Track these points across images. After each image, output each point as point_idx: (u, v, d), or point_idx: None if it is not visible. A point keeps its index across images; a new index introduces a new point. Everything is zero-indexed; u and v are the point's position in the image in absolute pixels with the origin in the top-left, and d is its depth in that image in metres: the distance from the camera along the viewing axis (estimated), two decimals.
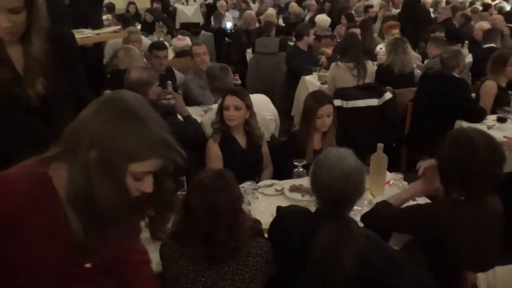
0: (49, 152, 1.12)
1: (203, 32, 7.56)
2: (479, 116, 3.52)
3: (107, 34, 3.19)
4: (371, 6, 8.20)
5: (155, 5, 9.84)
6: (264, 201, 2.33)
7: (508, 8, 9.60)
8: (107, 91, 3.44)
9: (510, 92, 3.82)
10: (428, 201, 2.15)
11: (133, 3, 9.08)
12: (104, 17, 8.07)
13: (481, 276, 1.63)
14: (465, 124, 3.37)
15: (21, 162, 1.16)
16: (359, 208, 2.21)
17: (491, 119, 3.50)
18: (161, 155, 1.08)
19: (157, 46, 4.00)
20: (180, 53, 5.02)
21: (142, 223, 2.01)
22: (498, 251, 1.81)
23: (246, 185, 2.34)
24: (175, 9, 11.22)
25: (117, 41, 4.71)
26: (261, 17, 7.48)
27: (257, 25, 6.98)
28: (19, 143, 1.60)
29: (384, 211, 1.91)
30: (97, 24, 3.85)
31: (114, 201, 1.05)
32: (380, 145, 2.35)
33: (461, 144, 1.71)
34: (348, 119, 3.72)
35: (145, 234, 1.97)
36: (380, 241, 1.58)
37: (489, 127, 3.36)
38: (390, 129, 3.85)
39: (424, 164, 1.92)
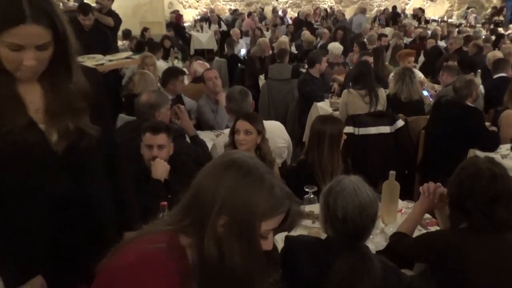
0: (172, 222, 1.08)
1: (216, 58, 7.70)
2: (493, 145, 3.48)
3: (120, 60, 3.25)
4: (385, 35, 8.28)
5: (168, 32, 10.06)
6: None
7: None
8: (122, 115, 3.50)
9: None
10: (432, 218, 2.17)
11: (148, 29, 9.28)
12: (120, 43, 8.29)
13: None
14: (478, 153, 3.33)
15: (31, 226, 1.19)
16: (371, 236, 2.18)
17: (505, 148, 3.46)
18: (287, 208, 1.07)
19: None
20: (197, 79, 5.08)
21: None
22: None
23: None
24: (190, 36, 11.46)
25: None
26: (274, 44, 7.59)
27: (270, 52, 7.08)
28: (36, 203, 1.30)
29: (398, 247, 1.89)
30: (115, 50, 3.94)
31: (249, 264, 1.01)
32: (393, 173, 2.33)
33: (467, 172, 1.74)
34: (360, 146, 3.71)
35: None
36: (396, 270, 1.55)
37: (503, 156, 3.33)
38: (402, 157, 3.83)
39: (424, 186, 1.97)
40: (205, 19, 12.86)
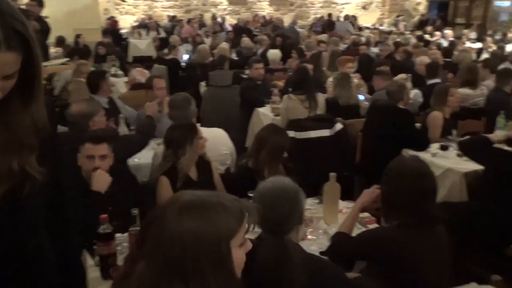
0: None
1: (155, 65, 7.57)
2: (424, 145, 3.70)
3: (55, 66, 3.14)
4: (323, 42, 8.55)
5: (105, 38, 9.77)
6: None
7: (445, 44, 10.29)
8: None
9: (452, 121, 4.06)
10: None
11: (81, 35, 8.95)
12: (53, 50, 7.94)
13: None
14: (411, 153, 3.53)
15: None
16: (314, 237, 2.24)
17: (434, 147, 3.68)
18: (245, 214, 1.12)
19: None
20: (136, 86, 4.97)
21: (92, 262, 1.94)
22: (447, 274, 1.88)
23: None
24: (127, 43, 11.20)
25: (69, 72, 4.64)
26: (214, 51, 7.60)
27: (211, 58, 7.08)
28: None
29: (340, 246, 1.96)
30: (46, 57, 3.77)
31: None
32: (333, 175, 2.41)
33: (394, 172, 1.84)
34: (302, 150, 3.79)
35: (94, 274, 1.90)
36: (335, 268, 1.60)
37: (433, 155, 3.54)
38: (342, 159, 3.96)
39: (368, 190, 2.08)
40: (143, 25, 12.62)
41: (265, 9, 16.22)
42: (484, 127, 4.38)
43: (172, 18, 13.96)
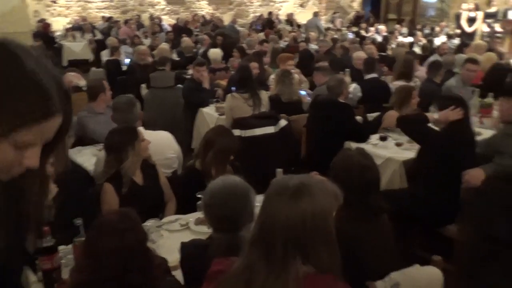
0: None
1: (93, 69, 7.30)
2: (364, 137, 3.84)
3: None
4: (266, 41, 8.64)
5: (36, 42, 9.27)
6: (170, 238, 2.27)
7: (379, 39, 10.75)
8: None
9: None
10: None
11: None
12: None
13: (379, 284, 1.75)
14: (353, 145, 3.65)
15: None
16: None
17: (374, 138, 3.84)
18: None
19: None
20: (74, 90, 4.76)
21: (35, 278, 1.85)
22: (393, 260, 1.97)
23: (149, 223, 2.27)
24: (61, 46, 10.70)
25: None
26: (154, 52, 7.45)
27: (151, 60, 6.93)
28: None
29: None
30: None
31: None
32: (279, 171, 2.45)
33: (340, 166, 1.91)
34: (248, 148, 3.82)
35: None
36: None
37: (374, 146, 3.69)
38: (288, 154, 4.03)
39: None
40: (78, 28, 12.11)
41: (204, 9, 16.12)
42: None
43: (108, 19, 13.51)
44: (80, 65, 8.86)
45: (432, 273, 1.82)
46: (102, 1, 14.68)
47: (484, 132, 3.89)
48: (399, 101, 3.90)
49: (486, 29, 11.78)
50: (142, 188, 2.56)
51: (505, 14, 11.39)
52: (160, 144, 2.97)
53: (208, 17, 15.01)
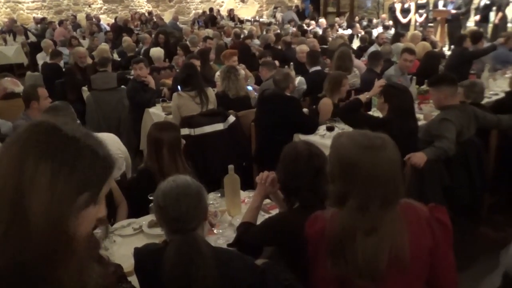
0: None
1: (29, 73, 6.93)
2: (311, 128, 3.93)
3: None
4: (210, 38, 8.57)
5: None
6: (123, 243, 2.21)
7: (320, 32, 10.99)
8: None
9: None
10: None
11: None
12: None
13: None
14: (302, 137, 3.72)
15: None
16: (220, 231, 2.26)
17: (322, 129, 3.93)
18: None
19: None
20: (8, 96, 4.48)
21: None
22: None
23: (100, 230, 2.19)
24: None
25: None
26: (94, 53, 7.18)
27: (91, 61, 6.68)
28: None
29: (246, 236, 1.99)
30: None
31: None
32: (231, 167, 2.45)
33: (288, 157, 1.95)
34: (198, 146, 3.79)
35: None
36: (243, 258, 1.64)
37: (321, 137, 3.78)
38: (238, 150, 4.04)
39: (259, 175, 2.14)
40: (8, 30, 11.44)
41: (143, 6, 15.75)
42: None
43: (42, 20, 12.86)
44: (14, 70, 8.41)
45: None
46: (33, 1, 13.95)
47: (422, 117, 4.09)
48: (330, 89, 4.16)
49: (419, 19, 12.37)
50: None
51: (435, 4, 12.01)
52: None
53: (148, 15, 14.67)
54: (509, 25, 11.20)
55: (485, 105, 4.16)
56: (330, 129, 3.87)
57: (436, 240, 1.50)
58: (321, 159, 1.96)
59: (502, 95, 4.59)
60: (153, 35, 9.29)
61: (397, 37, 7.97)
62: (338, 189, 1.47)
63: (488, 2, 11.21)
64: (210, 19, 14.12)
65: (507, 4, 11.14)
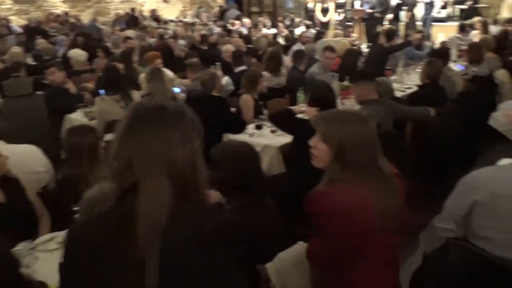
0: None
1: None
2: (240, 128, 3.95)
3: None
4: (130, 38, 8.28)
5: None
6: (47, 258, 2.08)
7: (245, 32, 11.09)
8: None
9: (261, 102, 4.44)
10: None
11: None
12: None
13: (268, 266, 1.83)
14: (231, 136, 3.73)
15: None
16: None
17: (250, 127, 3.97)
18: None
19: None
20: None
21: None
22: (281, 241, 2.07)
23: (20, 247, 2.05)
24: None
25: None
26: (5, 57, 6.67)
27: (1, 66, 6.20)
28: None
29: None
30: None
31: None
32: None
33: (219, 157, 1.95)
34: None
35: None
36: None
37: (250, 135, 3.82)
38: None
39: None
40: None
41: (59, 7, 14.88)
42: (289, 103, 4.90)
43: None
44: None
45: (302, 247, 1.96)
46: None
47: None
48: (247, 86, 4.26)
49: (337, 18, 12.92)
50: (5, 206, 2.29)
51: (352, 4, 12.61)
52: (25, 158, 2.69)
53: (64, 15, 13.89)
54: (418, 23, 12.07)
55: (400, 98, 4.44)
56: (259, 127, 3.92)
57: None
58: (252, 157, 1.98)
59: (415, 88, 4.92)
60: (71, 37, 8.82)
61: (319, 36, 8.27)
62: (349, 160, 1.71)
63: (399, 2, 11.99)
64: (131, 19, 13.68)
65: (414, 5, 11.98)
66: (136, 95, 4.25)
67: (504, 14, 11.94)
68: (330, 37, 8.16)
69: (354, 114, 1.85)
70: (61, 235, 2.26)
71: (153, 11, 15.25)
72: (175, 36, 9.17)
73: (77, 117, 4.61)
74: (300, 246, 1.96)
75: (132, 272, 0.97)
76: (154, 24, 13.25)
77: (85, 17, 14.03)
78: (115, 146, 1.05)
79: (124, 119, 1.07)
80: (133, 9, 14.92)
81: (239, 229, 1.87)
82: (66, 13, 14.24)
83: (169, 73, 5.76)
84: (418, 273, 1.80)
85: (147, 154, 1.01)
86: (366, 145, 1.72)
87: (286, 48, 8.19)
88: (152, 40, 9.39)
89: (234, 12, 14.71)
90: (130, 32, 10.06)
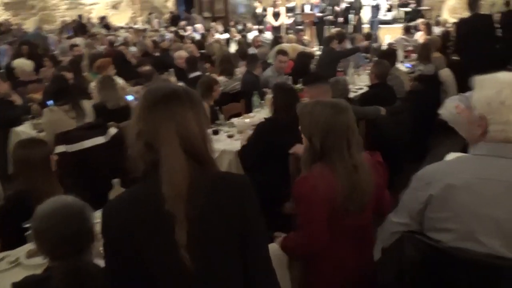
0: None
1: None
2: None
3: None
4: (77, 45, 8.03)
5: None
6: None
7: (198, 37, 11.04)
8: None
9: (217, 108, 4.42)
10: None
11: None
12: None
13: None
14: None
15: None
16: None
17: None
18: None
19: None
20: None
21: None
22: None
23: None
24: None
25: None
26: None
27: None
28: None
29: None
30: None
31: None
32: (116, 181, 2.34)
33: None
34: (78, 163, 3.53)
35: None
36: None
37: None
38: (124, 163, 3.86)
39: None
40: None
41: (0, 15, 14.21)
42: (244, 108, 4.92)
43: None
44: None
45: (275, 249, 1.98)
46: None
47: None
48: (203, 93, 4.20)
49: (287, 22, 13.13)
50: None
51: (302, 8, 12.86)
52: None
53: (7, 23, 13.27)
54: (365, 26, 12.48)
55: (352, 99, 4.57)
56: (215, 132, 3.91)
57: (379, 176, 1.96)
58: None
59: (366, 89, 5.08)
60: (14, 46, 8.45)
61: (276, 41, 8.40)
62: (318, 147, 1.87)
63: (347, 5, 12.37)
64: (79, 27, 13.28)
65: (360, 8, 12.39)
66: (87, 104, 4.12)
67: (445, 15, 12.58)
68: (284, 42, 8.27)
69: (322, 103, 1.97)
70: (12, 254, 2.15)
71: (102, 18, 14.88)
72: (126, 43, 8.99)
73: (24, 129, 4.41)
74: (273, 247, 1.97)
75: (165, 236, 1.13)
76: (103, 31, 12.94)
77: (30, 25, 13.48)
78: (135, 129, 1.20)
79: (139, 104, 1.23)
80: (80, 16, 14.50)
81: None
82: (8, 21, 13.61)
83: (120, 81, 5.63)
84: (377, 266, 1.85)
85: (166, 132, 1.16)
86: (333, 133, 1.85)
87: (240, 53, 8.23)
88: (102, 48, 9.15)
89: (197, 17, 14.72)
90: (78, 40, 9.77)
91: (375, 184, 1.90)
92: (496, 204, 1.46)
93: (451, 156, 2.33)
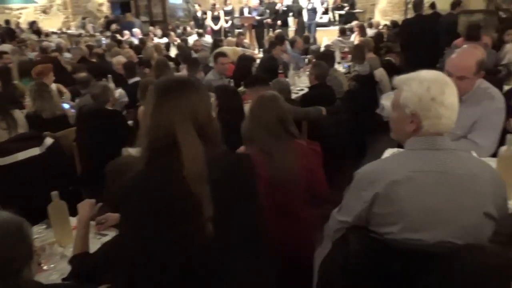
0: None
1: None
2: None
3: None
4: (6, 52, 7.55)
5: None
6: None
7: (136, 42, 10.78)
8: None
9: None
10: None
11: None
12: None
13: None
14: (131, 150, 3.59)
15: None
16: (52, 265, 2.05)
17: None
18: None
19: None
20: None
21: None
22: None
23: None
24: None
25: None
26: None
27: None
28: None
29: (85, 267, 1.81)
30: None
31: None
32: (55, 193, 2.22)
33: (114, 174, 1.89)
34: (12, 177, 3.33)
35: None
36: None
37: None
38: (61, 175, 3.69)
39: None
40: None
41: None
42: None
43: None
44: None
45: None
46: None
47: None
48: (142, 96, 4.10)
49: (225, 25, 13.18)
50: None
51: (241, 12, 12.94)
52: None
53: None
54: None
55: (294, 100, 4.67)
56: None
57: (310, 161, 2.31)
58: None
59: (306, 90, 5.21)
60: None
61: (216, 44, 8.38)
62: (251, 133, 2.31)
63: (285, 9, 12.60)
64: (7, 32, 12.52)
65: (300, 11, 12.69)
66: (19, 114, 3.88)
67: (377, 17, 13.19)
68: (225, 45, 8.29)
69: (260, 97, 2.37)
70: None
71: (32, 23, 14.13)
72: (59, 49, 8.60)
73: None
74: None
75: (190, 210, 1.27)
76: (34, 37, 12.29)
77: None
78: (151, 117, 1.36)
79: (151, 95, 1.38)
80: (7, 21, 13.68)
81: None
82: None
83: (54, 87, 5.36)
84: (325, 260, 1.90)
85: (180, 116, 1.31)
86: (262, 121, 2.28)
87: (182, 57, 8.13)
88: (32, 54, 8.69)
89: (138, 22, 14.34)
90: (6, 47, 9.20)
91: (303, 167, 2.24)
92: (436, 195, 1.54)
93: (389, 151, 2.43)
